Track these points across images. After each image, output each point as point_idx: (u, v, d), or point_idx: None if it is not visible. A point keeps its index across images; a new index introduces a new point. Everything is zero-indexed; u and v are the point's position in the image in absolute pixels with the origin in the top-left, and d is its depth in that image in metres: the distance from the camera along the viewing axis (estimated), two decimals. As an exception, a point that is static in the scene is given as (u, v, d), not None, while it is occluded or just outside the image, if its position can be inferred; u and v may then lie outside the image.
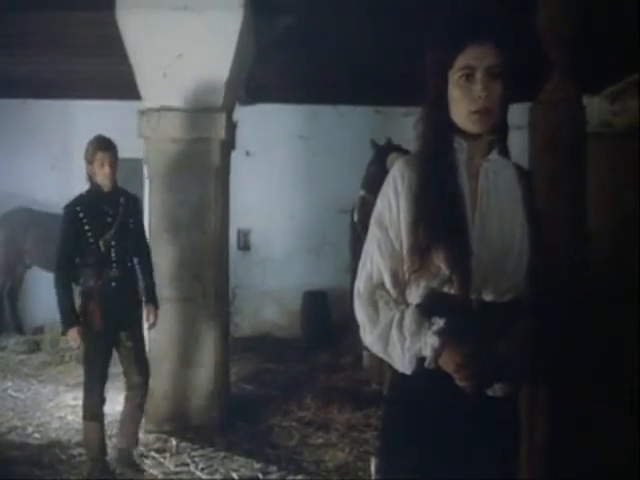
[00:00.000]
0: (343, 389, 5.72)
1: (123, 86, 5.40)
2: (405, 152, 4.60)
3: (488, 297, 1.70)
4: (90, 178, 3.83)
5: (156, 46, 4.34)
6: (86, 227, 3.75)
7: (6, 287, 7.55)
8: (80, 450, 4.18)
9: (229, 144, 4.90)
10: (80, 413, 4.98)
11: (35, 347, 6.89)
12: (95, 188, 3.84)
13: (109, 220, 3.82)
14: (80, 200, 3.86)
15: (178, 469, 4.07)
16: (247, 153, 7.64)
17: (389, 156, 4.67)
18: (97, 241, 3.76)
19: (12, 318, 7.57)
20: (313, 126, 8.08)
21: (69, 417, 4.98)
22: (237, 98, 5.28)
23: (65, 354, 6.49)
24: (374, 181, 4.33)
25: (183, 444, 4.42)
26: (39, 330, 7.28)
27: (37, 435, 4.61)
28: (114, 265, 3.81)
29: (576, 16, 2.47)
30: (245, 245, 8.08)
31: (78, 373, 6.11)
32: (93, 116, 7.82)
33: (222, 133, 4.58)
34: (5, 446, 4.37)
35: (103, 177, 3.77)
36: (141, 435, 4.33)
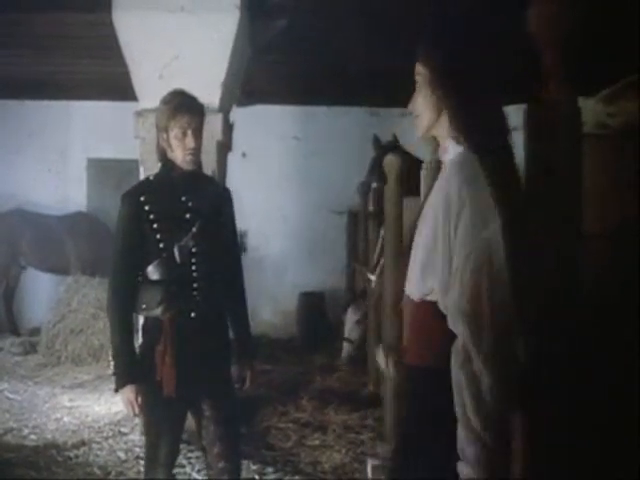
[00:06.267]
0: (339, 390, 5.72)
1: (120, 87, 5.41)
2: (403, 153, 4.60)
3: None
4: (163, 155, 2.62)
5: (152, 47, 4.34)
6: (154, 225, 2.53)
7: (1, 288, 7.54)
8: (76, 452, 4.17)
9: (226, 145, 4.89)
10: (76, 414, 5.05)
11: (31, 348, 6.88)
12: (169, 169, 2.62)
13: (189, 217, 2.58)
14: (146, 186, 2.66)
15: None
16: (243, 154, 7.64)
17: (385, 158, 4.66)
18: (170, 247, 2.53)
19: (8, 319, 7.57)
20: (308, 127, 8.10)
21: (65, 419, 4.97)
22: (233, 99, 5.28)
23: (61, 355, 6.48)
24: (383, 173, 4.36)
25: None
26: (35, 331, 7.28)
27: (33, 437, 4.60)
28: (196, 285, 2.56)
29: (571, 16, 2.48)
30: (241, 246, 8.08)
31: (74, 374, 6.15)
32: (90, 117, 7.86)
33: (219, 134, 4.57)
34: (1, 448, 4.36)
35: (184, 152, 2.58)
36: (137, 437, 4.32)
